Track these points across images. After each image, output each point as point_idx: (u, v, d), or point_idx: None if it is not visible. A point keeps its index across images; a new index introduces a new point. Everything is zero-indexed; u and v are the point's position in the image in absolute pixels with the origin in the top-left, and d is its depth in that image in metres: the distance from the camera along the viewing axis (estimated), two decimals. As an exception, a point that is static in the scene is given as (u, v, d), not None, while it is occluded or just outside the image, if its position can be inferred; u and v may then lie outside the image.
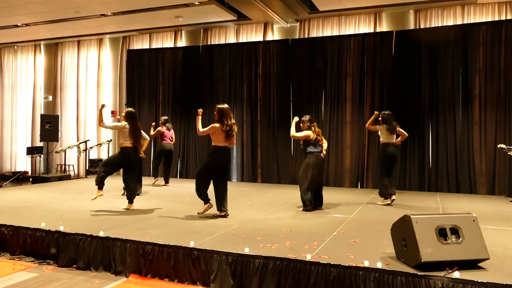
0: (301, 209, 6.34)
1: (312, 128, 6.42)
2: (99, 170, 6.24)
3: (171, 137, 9.28)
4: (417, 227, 3.48)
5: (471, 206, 6.88)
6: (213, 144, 5.76)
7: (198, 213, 5.86)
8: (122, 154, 6.25)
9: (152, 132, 8.95)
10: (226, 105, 5.82)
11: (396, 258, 3.77)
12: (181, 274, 4.10)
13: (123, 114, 6.46)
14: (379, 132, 7.13)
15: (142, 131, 6.66)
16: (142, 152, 7.43)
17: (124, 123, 6.25)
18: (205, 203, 5.78)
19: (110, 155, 6.50)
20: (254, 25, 10.59)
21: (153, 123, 9.33)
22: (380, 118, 7.13)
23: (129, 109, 6.57)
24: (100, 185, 6.12)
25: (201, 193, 5.74)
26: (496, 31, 8.63)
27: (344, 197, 7.79)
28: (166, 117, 9.44)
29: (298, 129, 6.54)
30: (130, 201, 6.31)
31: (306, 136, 6.36)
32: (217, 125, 5.65)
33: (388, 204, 6.93)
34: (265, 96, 10.41)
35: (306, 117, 6.55)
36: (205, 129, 5.73)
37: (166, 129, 9.19)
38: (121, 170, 6.60)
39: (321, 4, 9.14)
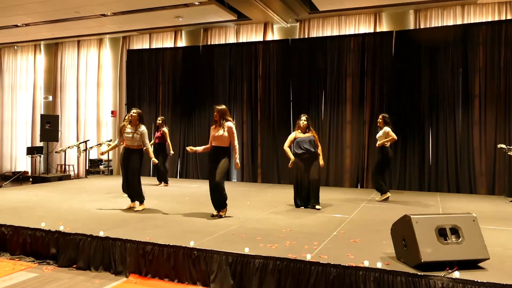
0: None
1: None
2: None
3: None
4: (417, 227, 3.48)
5: (471, 206, 6.88)
6: (226, 145, 5.64)
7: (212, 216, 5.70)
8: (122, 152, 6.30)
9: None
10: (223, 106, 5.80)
11: (396, 258, 3.77)
12: (181, 274, 4.10)
13: (134, 115, 6.17)
14: (381, 135, 7.21)
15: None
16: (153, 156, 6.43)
17: (143, 126, 6.20)
18: (225, 207, 5.75)
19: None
20: (254, 25, 10.58)
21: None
22: (381, 120, 7.22)
23: (138, 110, 6.31)
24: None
25: (225, 198, 5.69)
26: (496, 31, 8.63)
27: (344, 197, 7.79)
28: (163, 117, 9.42)
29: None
30: (132, 200, 6.30)
31: None
32: (233, 125, 5.67)
33: (385, 200, 7.19)
34: (265, 96, 10.41)
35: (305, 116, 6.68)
36: (235, 137, 5.66)
37: (168, 130, 9.22)
38: (121, 171, 6.56)
39: (321, 4, 9.14)
